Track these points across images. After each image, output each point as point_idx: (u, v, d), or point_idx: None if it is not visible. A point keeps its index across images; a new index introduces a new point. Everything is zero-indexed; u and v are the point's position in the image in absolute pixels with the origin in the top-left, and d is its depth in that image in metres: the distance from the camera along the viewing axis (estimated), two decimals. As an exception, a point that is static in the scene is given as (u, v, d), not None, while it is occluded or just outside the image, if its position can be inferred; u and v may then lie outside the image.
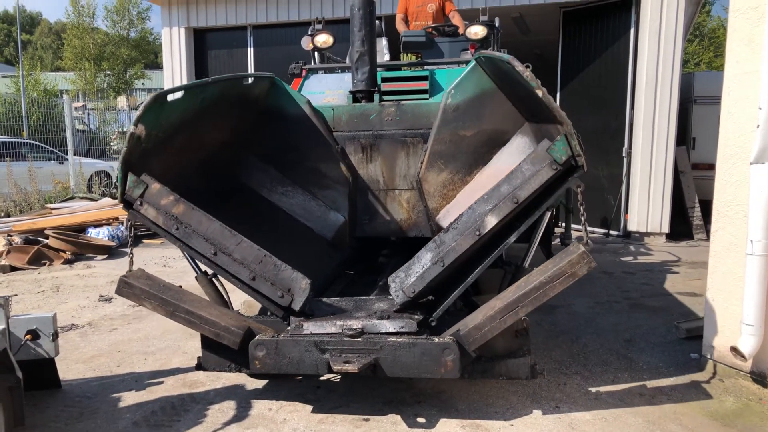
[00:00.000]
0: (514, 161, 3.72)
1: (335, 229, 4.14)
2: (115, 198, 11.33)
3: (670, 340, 4.25)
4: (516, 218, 2.89)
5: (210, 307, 3.07)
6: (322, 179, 4.14)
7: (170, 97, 2.91)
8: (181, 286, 3.14)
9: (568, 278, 2.68)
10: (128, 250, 3.14)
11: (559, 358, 3.92)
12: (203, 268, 3.30)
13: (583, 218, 2.81)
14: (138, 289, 2.97)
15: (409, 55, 5.92)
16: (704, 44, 27.47)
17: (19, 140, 13.70)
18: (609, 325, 4.63)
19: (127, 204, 2.94)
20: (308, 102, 4.14)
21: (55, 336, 3.29)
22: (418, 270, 2.92)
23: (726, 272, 3.50)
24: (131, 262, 3.11)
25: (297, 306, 2.91)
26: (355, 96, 4.35)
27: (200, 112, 3.31)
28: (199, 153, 3.53)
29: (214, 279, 3.34)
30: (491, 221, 2.80)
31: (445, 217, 4.03)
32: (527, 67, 2.78)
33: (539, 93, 2.70)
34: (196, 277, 3.34)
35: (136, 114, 2.73)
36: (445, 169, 3.97)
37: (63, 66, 36.14)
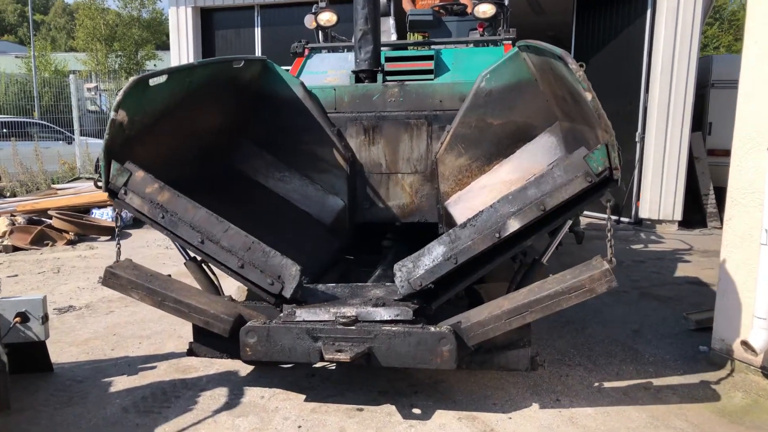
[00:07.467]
0: (537, 160, 3.56)
1: (334, 214, 4.04)
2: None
3: (679, 332, 4.12)
4: (536, 221, 2.72)
5: (199, 295, 2.98)
6: (319, 163, 4.03)
7: (153, 82, 2.80)
8: (170, 275, 3.07)
9: (585, 293, 2.54)
10: (117, 240, 3.02)
11: (562, 348, 3.80)
12: (192, 254, 3.21)
13: (609, 234, 2.62)
14: (125, 279, 2.89)
15: (416, 34, 5.75)
16: (724, 27, 26.85)
17: (27, 120, 13.71)
18: (616, 315, 4.50)
19: (112, 193, 2.85)
20: (302, 84, 4.02)
21: (45, 319, 3.24)
22: (427, 263, 2.77)
23: (739, 263, 3.36)
24: (118, 253, 3.01)
25: (287, 293, 2.82)
26: (358, 76, 4.22)
27: (189, 96, 3.20)
28: (191, 139, 3.43)
29: (203, 265, 3.24)
30: (513, 225, 2.63)
31: (455, 203, 3.91)
32: (581, 66, 2.52)
33: (588, 96, 2.45)
34: (185, 263, 3.25)
35: (116, 99, 2.63)
36: (465, 154, 3.83)
37: (75, 46, 36.14)
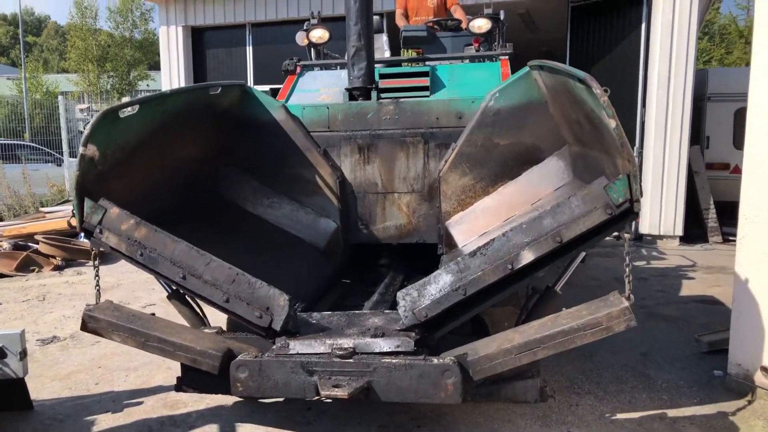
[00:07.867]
0: (544, 184, 3.41)
1: (327, 236, 3.88)
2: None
3: (690, 355, 3.95)
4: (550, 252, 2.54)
5: (184, 332, 2.80)
6: (308, 185, 3.90)
7: (123, 113, 2.67)
8: (154, 314, 2.89)
9: (602, 331, 2.35)
10: (96, 281, 2.84)
11: (570, 375, 3.63)
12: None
13: (627, 269, 2.43)
14: (104, 322, 2.71)
15: (410, 50, 5.64)
16: (715, 41, 27.03)
17: (16, 142, 13.51)
18: (623, 337, 4.28)
19: (88, 232, 2.69)
20: (283, 107, 3.91)
21: (23, 354, 3.05)
22: (434, 292, 2.59)
23: (754, 283, 3.20)
24: (98, 295, 2.83)
25: (277, 325, 2.64)
26: (352, 93, 4.09)
27: (164, 126, 3.06)
28: (171, 169, 3.29)
29: (186, 297, 3.06)
30: (527, 257, 2.45)
31: (457, 224, 3.77)
32: (605, 91, 2.35)
33: (612, 123, 2.29)
34: (167, 297, 3.07)
35: (84, 133, 2.47)
36: (469, 173, 3.70)
37: (67, 67, 36.04)
